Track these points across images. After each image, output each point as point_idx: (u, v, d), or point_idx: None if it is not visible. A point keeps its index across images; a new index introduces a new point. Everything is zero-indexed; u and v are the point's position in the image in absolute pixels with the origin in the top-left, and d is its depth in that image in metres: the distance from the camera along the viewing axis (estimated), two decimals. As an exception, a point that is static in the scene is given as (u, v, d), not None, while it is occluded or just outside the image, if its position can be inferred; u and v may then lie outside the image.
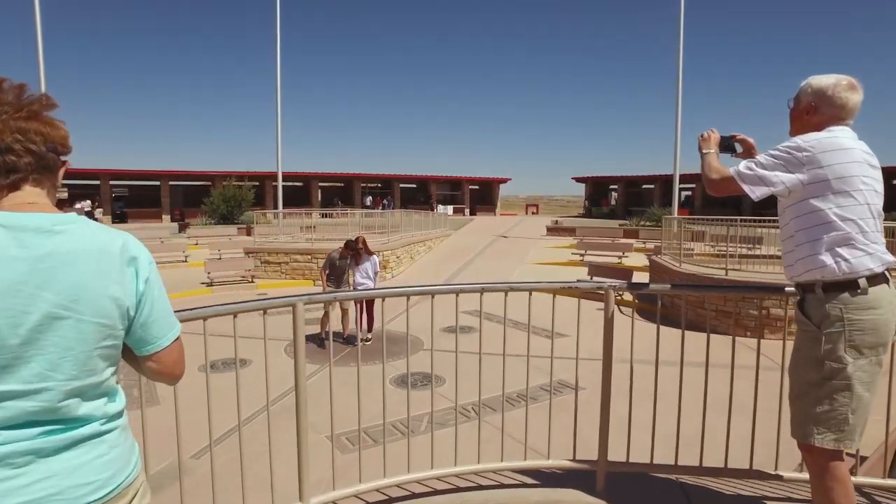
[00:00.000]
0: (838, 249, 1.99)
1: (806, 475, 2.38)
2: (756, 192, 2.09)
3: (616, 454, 2.83)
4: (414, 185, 48.05)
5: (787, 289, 2.52)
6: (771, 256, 10.21)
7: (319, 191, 41.58)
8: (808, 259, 2.07)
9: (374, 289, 8.02)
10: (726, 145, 2.41)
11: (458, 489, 2.80)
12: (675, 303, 8.46)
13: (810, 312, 2.09)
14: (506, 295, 2.84)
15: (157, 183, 35.65)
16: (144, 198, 36.72)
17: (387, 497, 2.74)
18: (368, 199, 42.00)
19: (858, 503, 2.55)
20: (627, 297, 3.47)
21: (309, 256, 14.86)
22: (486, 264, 17.46)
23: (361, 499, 2.70)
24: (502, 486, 2.82)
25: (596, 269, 12.50)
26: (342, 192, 43.84)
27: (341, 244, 8.33)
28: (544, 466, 2.90)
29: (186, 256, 17.48)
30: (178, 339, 1.27)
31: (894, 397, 2.64)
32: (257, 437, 4.25)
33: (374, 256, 8.37)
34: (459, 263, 17.57)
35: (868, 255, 1.98)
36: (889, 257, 2.01)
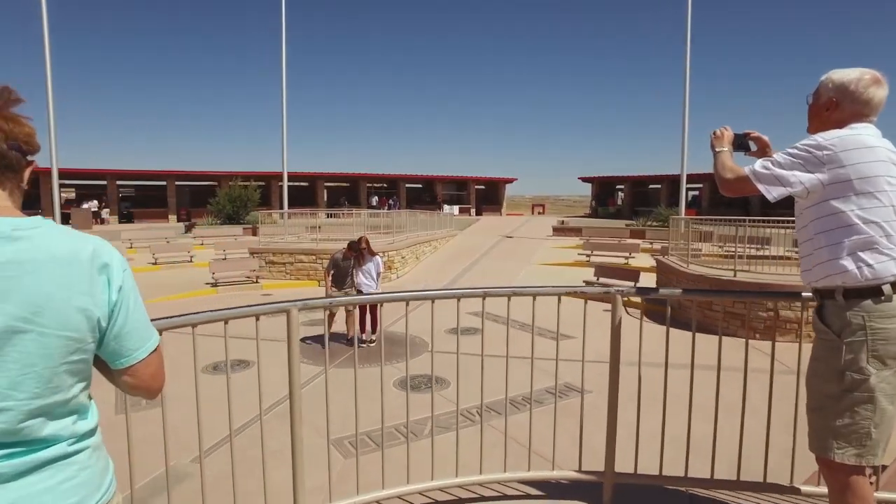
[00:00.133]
0: (860, 254, 1.89)
1: (824, 489, 2.27)
2: (773, 193, 1.99)
3: (624, 461, 2.73)
4: (420, 185, 47.99)
5: (803, 294, 2.41)
6: (780, 257, 10.05)
7: (325, 191, 41.58)
8: (827, 264, 1.96)
9: (377, 290, 7.99)
10: (740, 143, 2.32)
11: (459, 500, 2.71)
12: (683, 304, 8.34)
13: (830, 320, 1.98)
14: (509, 300, 2.74)
15: (164, 183, 35.74)
16: (151, 198, 36.83)
17: (386, 509, 2.65)
18: (374, 199, 41.96)
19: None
20: (635, 297, 3.37)
21: (314, 257, 14.80)
22: (492, 265, 17.35)
23: (359, 511, 2.61)
24: (505, 497, 2.74)
25: (602, 270, 12.37)
26: (348, 191, 43.81)
27: (346, 245, 8.24)
28: (550, 477, 2.80)
29: (192, 257, 17.48)
30: (156, 349, 1.19)
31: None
32: (256, 443, 4.17)
33: (378, 257, 8.28)
34: (465, 264, 17.47)
35: (892, 260, 1.87)
36: None
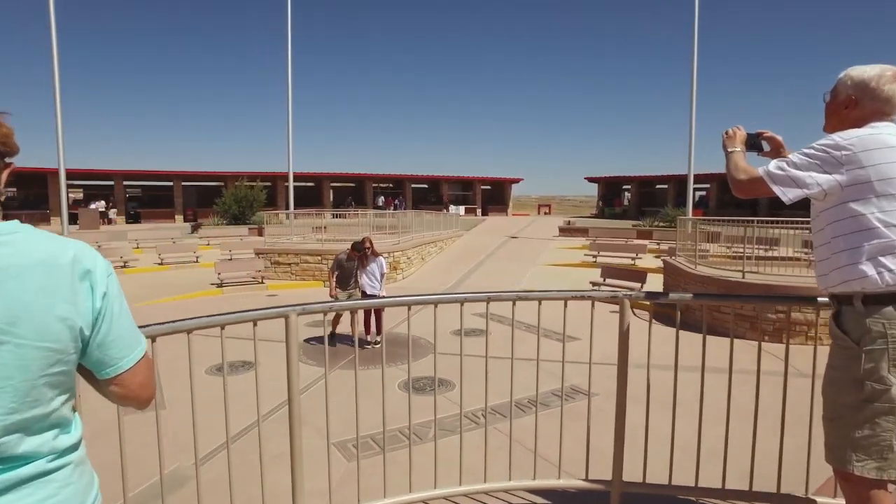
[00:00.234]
0: (881, 259, 1.81)
1: (841, 500, 2.19)
2: (788, 195, 1.91)
3: (632, 468, 2.66)
4: (426, 186, 47.90)
5: (818, 299, 2.34)
6: (788, 258, 9.93)
7: (331, 191, 41.59)
8: (845, 269, 1.88)
9: (380, 291, 7.94)
10: (752, 143, 2.24)
11: (463, 510, 2.65)
12: (692, 305, 8.23)
13: (848, 327, 1.90)
14: (513, 304, 2.67)
15: (170, 183, 35.84)
16: (157, 198, 36.95)
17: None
18: (380, 200, 41.93)
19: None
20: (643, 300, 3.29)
21: (319, 257, 14.77)
22: (498, 266, 17.27)
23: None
24: (511, 506, 2.67)
25: (609, 271, 12.28)
26: (354, 192, 43.81)
27: (350, 245, 8.20)
28: (556, 486, 2.73)
29: (198, 257, 17.52)
30: (143, 357, 1.13)
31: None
32: (258, 446, 4.12)
33: (381, 258, 8.22)
34: (471, 265, 17.40)
35: None
36: None
